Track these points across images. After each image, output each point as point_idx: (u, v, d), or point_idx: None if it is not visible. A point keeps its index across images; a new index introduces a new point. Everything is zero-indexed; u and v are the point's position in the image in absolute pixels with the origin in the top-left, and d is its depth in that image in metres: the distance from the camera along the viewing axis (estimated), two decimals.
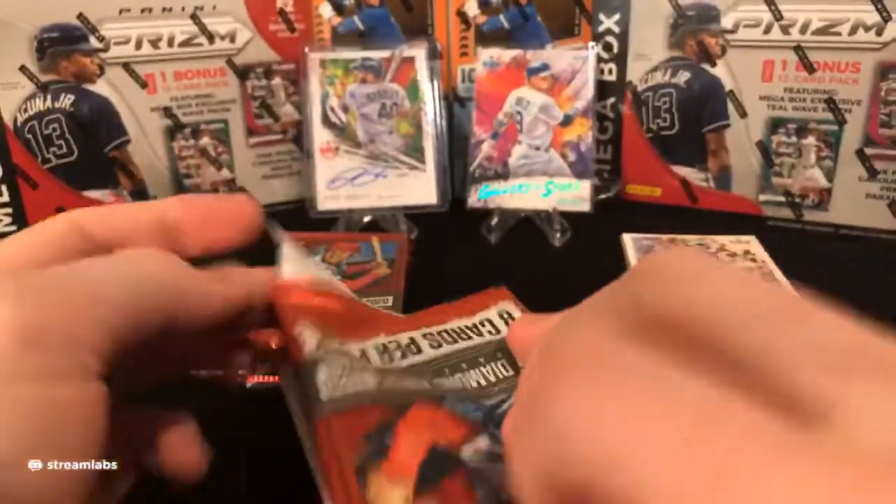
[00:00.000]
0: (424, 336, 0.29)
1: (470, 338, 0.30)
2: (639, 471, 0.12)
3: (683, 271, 0.16)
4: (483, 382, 0.27)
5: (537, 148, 0.69)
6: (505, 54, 0.70)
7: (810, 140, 0.65)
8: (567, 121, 0.69)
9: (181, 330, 0.23)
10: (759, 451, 0.12)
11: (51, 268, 0.21)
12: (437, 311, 0.32)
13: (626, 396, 0.13)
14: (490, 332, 0.30)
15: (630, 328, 0.15)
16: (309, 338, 0.25)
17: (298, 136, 0.73)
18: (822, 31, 0.62)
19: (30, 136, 0.64)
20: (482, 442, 0.22)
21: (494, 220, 0.68)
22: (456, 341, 0.29)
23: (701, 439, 0.12)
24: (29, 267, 0.23)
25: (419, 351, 0.28)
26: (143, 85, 0.67)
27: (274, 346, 0.28)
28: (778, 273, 0.57)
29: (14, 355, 0.18)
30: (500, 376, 0.28)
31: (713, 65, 0.67)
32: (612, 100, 0.72)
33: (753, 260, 0.59)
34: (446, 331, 0.30)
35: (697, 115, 0.68)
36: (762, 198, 0.68)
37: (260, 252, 0.30)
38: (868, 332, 0.15)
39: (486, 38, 0.72)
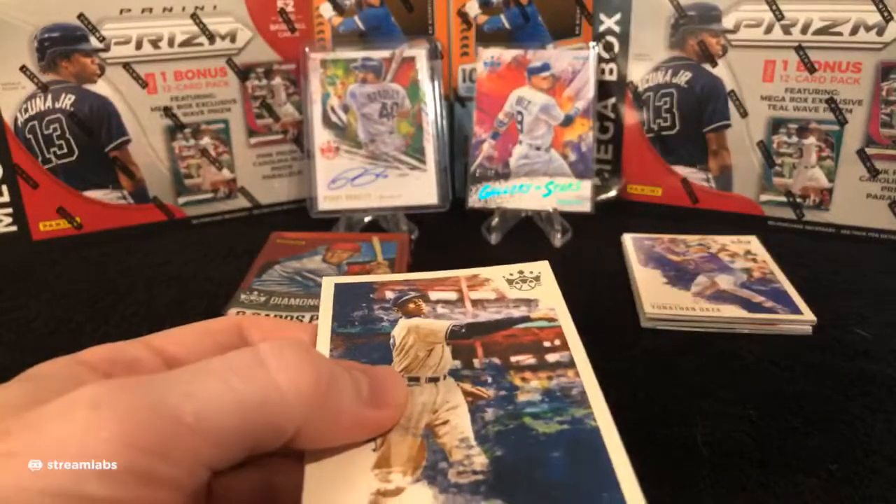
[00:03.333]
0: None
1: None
2: None
3: None
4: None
5: (538, 148, 0.69)
6: (506, 54, 0.70)
7: (811, 140, 0.65)
8: (568, 121, 0.69)
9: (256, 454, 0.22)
10: None
11: (166, 379, 0.20)
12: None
13: None
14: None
15: None
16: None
17: (299, 136, 0.73)
18: (823, 31, 0.62)
19: (30, 136, 0.64)
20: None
21: (495, 221, 0.68)
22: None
23: None
24: (191, 350, 0.24)
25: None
26: (144, 85, 0.67)
27: None
28: (779, 273, 0.57)
29: (99, 479, 0.18)
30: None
31: (714, 65, 0.66)
32: (612, 100, 0.72)
33: (754, 260, 0.59)
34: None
35: (698, 115, 0.68)
36: (763, 198, 0.68)
37: None
38: None
39: (487, 37, 0.72)
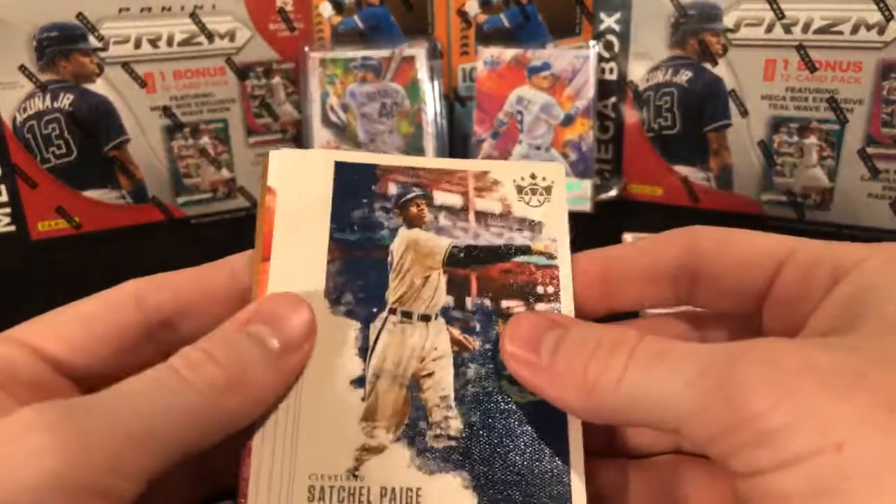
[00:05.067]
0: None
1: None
2: None
3: None
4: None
5: (538, 147, 0.69)
6: (506, 53, 0.70)
7: (812, 139, 0.65)
8: (568, 120, 0.68)
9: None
10: None
11: (94, 401, 0.20)
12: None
13: None
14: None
15: None
16: None
17: (298, 136, 0.73)
18: (823, 30, 0.61)
19: (29, 135, 0.64)
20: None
21: None
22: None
23: None
24: (75, 344, 0.24)
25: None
26: (143, 84, 0.67)
27: None
28: None
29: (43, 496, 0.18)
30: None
31: (714, 64, 0.66)
32: (613, 99, 0.72)
33: None
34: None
35: (699, 114, 0.68)
36: (764, 197, 0.68)
37: None
38: None
39: (487, 37, 0.72)
